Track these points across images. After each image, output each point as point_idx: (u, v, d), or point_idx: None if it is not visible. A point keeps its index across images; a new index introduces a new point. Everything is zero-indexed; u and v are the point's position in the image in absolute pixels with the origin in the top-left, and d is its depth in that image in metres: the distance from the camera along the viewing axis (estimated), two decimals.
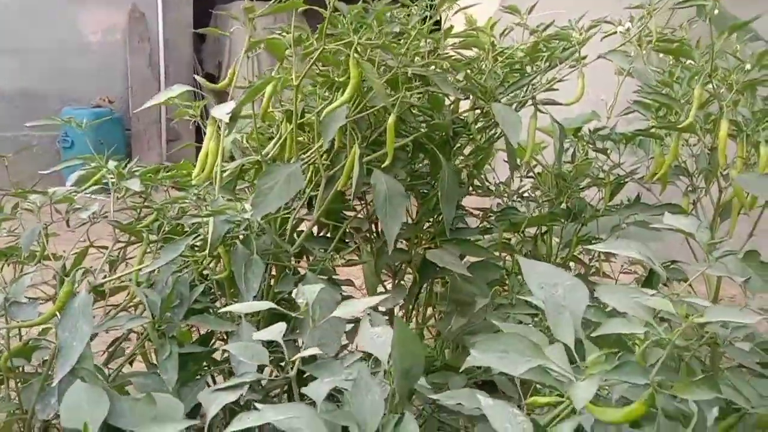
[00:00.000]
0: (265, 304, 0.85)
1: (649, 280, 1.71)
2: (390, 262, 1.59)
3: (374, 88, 1.12)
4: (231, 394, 0.76)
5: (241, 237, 1.17)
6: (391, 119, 1.21)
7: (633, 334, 0.79)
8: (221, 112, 1.09)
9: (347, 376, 0.72)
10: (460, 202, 1.68)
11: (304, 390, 0.80)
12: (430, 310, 1.80)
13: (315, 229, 1.54)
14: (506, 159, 1.45)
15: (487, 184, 1.85)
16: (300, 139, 1.41)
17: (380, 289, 1.61)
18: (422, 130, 1.26)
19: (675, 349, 0.77)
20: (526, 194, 1.80)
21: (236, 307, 0.88)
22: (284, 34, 1.19)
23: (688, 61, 1.43)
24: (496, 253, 1.86)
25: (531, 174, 1.87)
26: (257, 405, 0.68)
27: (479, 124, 1.43)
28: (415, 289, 1.65)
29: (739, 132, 1.44)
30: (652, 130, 1.47)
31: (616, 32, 1.23)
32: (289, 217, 1.39)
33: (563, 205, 1.77)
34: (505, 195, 1.82)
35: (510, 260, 1.95)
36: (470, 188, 1.64)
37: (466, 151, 1.70)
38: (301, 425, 0.65)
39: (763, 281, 1.28)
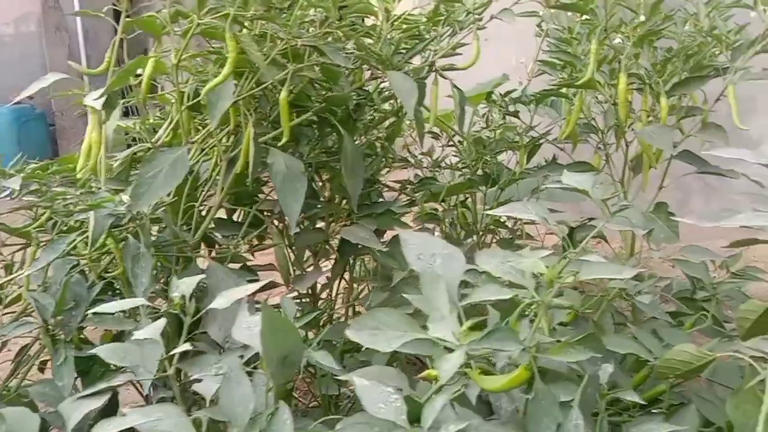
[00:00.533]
0: (139, 301, 0.80)
1: (570, 239, 1.72)
2: (308, 243, 1.55)
3: (257, 63, 1.06)
4: (96, 400, 0.71)
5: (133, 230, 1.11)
6: (282, 94, 1.16)
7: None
8: (90, 99, 1.02)
9: (217, 370, 0.69)
10: (376, 175, 1.65)
11: (195, 387, 0.76)
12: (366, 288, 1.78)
13: (229, 216, 1.50)
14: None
15: (406, 155, 1.83)
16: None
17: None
18: (317, 105, 1.21)
19: (570, 308, 0.76)
20: (444, 163, 1.78)
21: (108, 306, 0.82)
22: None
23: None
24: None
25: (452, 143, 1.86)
26: (126, 409, 0.64)
27: (384, 94, 1.39)
28: (338, 267, 1.62)
29: (643, 85, 1.44)
30: (558, 89, 1.46)
31: None
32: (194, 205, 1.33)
33: (481, 171, 1.76)
34: (423, 165, 1.80)
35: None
36: (384, 161, 1.60)
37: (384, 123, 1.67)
38: (167, 427, 0.61)
39: (668, 232, 1.30)
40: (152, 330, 0.77)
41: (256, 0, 1.09)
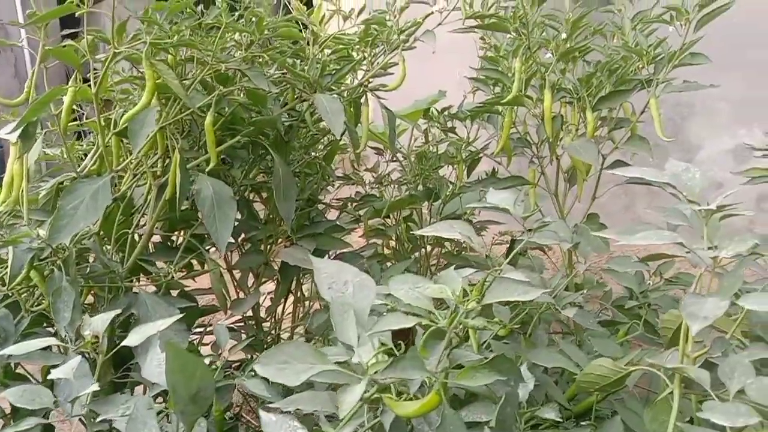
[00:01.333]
0: (50, 341, 0.78)
1: (511, 250, 1.75)
2: (248, 266, 1.54)
3: (174, 89, 1.05)
4: None
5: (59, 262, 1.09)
6: (207, 119, 1.15)
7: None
8: (5, 131, 1.00)
9: (125, 410, 0.68)
10: (317, 194, 1.65)
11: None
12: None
13: (164, 241, 1.48)
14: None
15: (349, 172, 1.84)
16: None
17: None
18: (246, 129, 1.21)
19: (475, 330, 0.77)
20: (387, 179, 1.79)
21: (22, 347, 0.80)
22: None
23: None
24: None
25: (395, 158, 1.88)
26: None
27: (315, 116, 1.39)
28: (281, 289, 1.61)
29: (572, 99, 1.47)
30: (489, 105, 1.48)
31: (432, 12, 1.22)
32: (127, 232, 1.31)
33: (424, 186, 1.78)
34: (365, 183, 1.81)
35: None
36: (325, 180, 1.60)
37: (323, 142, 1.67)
38: None
39: (598, 244, 1.32)
40: (65, 370, 0.76)
41: (178, 26, 1.08)
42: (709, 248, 0.69)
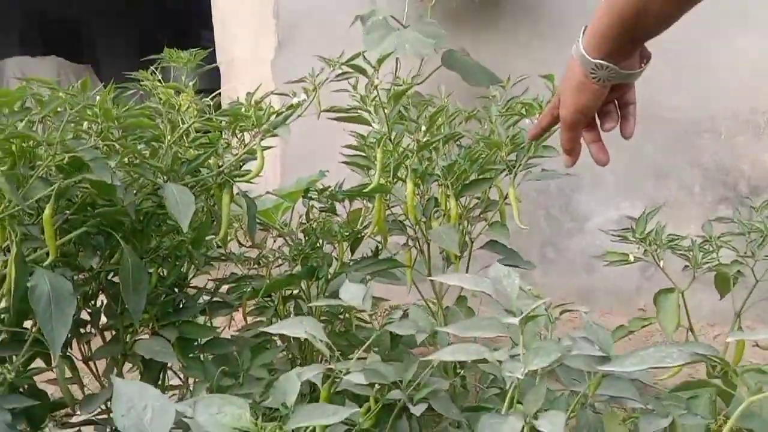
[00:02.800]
0: None
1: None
2: (106, 356, 1.46)
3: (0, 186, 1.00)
4: None
5: None
6: (46, 213, 1.10)
7: None
8: None
9: None
10: (185, 280, 1.59)
11: None
12: None
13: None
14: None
15: (225, 253, 1.80)
16: None
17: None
18: (89, 220, 1.16)
19: None
20: (263, 260, 1.76)
21: None
22: None
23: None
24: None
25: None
26: None
27: None
28: (147, 380, 1.53)
29: (441, 184, 1.51)
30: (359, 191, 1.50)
31: (292, 105, 1.23)
32: None
33: (305, 265, 1.76)
34: (242, 261, 1.77)
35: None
36: (193, 264, 1.56)
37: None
38: None
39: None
40: None
41: (13, 114, 1.04)
42: (516, 359, 0.70)
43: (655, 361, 0.68)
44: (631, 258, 1.40)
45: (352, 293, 1.07)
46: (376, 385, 1.14)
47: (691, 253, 1.42)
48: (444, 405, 1.19)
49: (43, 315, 1.08)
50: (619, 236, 1.44)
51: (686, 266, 1.37)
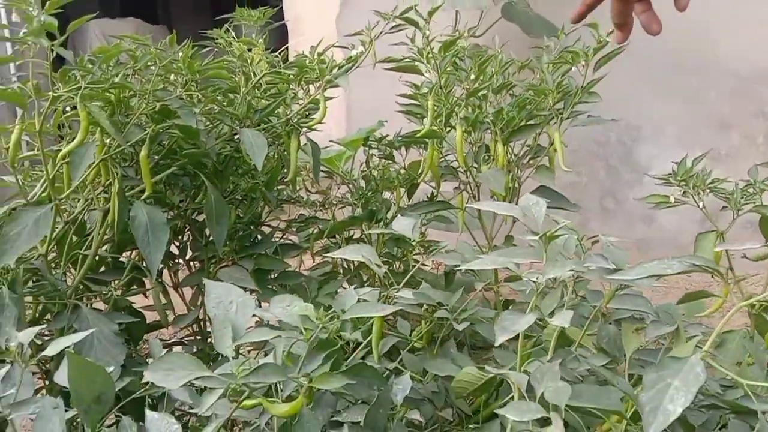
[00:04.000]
0: None
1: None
2: (192, 284, 1.67)
3: (105, 127, 1.19)
4: None
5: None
6: (142, 153, 1.28)
7: None
8: None
9: (35, 409, 0.80)
10: (259, 219, 1.78)
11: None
12: None
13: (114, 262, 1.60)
14: None
15: (294, 196, 1.97)
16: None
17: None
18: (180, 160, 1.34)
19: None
20: (328, 203, 1.92)
21: None
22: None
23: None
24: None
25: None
26: None
27: None
28: None
29: (491, 131, 1.62)
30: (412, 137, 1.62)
31: (351, 57, 1.36)
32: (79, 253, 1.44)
33: (366, 209, 1.91)
34: (309, 204, 1.94)
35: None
36: (267, 204, 1.73)
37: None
38: None
39: None
40: None
41: (109, 72, 1.22)
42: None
43: (658, 271, 0.78)
44: (672, 200, 1.47)
45: (403, 224, 1.21)
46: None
47: (732, 195, 1.48)
48: (488, 330, 1.32)
49: (142, 240, 1.27)
50: (662, 179, 1.51)
51: (725, 207, 1.43)
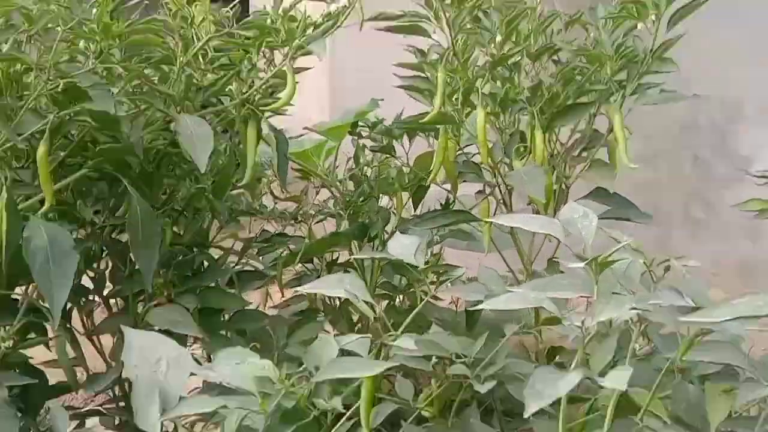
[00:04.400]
0: None
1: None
2: (112, 331, 1.68)
3: None
4: None
5: None
6: (40, 150, 1.30)
7: None
8: None
9: None
10: (206, 238, 1.79)
11: None
12: None
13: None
14: None
15: (255, 206, 1.97)
16: None
17: None
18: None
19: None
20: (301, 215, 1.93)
21: None
22: None
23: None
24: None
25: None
26: None
27: None
28: None
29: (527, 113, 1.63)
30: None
31: (329, 13, 1.37)
32: None
33: (354, 222, 1.92)
34: (276, 217, 1.94)
35: None
36: (215, 217, 1.74)
37: None
38: None
39: None
40: None
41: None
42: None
43: (751, 311, 0.79)
44: None
45: (403, 245, 1.22)
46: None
47: None
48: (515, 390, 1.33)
49: (40, 272, 1.28)
50: (765, 177, 1.53)
51: None
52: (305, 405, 0.88)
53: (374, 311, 1.15)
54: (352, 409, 1.10)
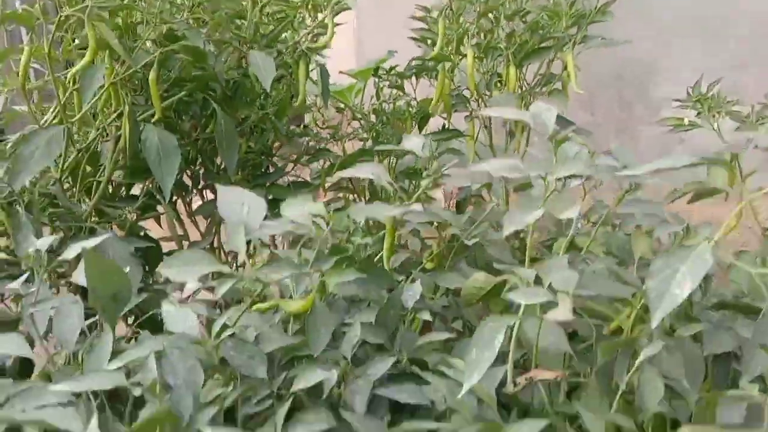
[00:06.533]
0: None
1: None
2: (206, 213, 1.69)
3: (114, 47, 1.19)
4: None
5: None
6: (150, 76, 1.29)
7: None
8: None
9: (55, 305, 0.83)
10: (269, 149, 1.78)
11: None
12: None
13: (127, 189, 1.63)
14: None
15: (301, 129, 1.97)
16: None
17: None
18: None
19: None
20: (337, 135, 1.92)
21: None
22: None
23: None
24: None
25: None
26: None
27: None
28: None
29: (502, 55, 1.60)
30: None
31: None
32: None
33: (376, 142, 1.91)
34: (319, 139, 1.94)
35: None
36: (276, 137, 1.74)
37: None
38: (8, 350, 0.75)
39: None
40: (16, 284, 0.91)
41: None
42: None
43: (666, 165, 0.79)
44: (686, 122, 1.46)
45: (413, 142, 1.21)
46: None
47: (747, 118, 1.46)
48: (498, 249, 1.33)
49: (154, 163, 1.29)
50: (678, 101, 1.50)
51: (738, 127, 1.42)
52: (346, 241, 0.88)
53: (393, 187, 1.15)
54: (378, 255, 1.11)
